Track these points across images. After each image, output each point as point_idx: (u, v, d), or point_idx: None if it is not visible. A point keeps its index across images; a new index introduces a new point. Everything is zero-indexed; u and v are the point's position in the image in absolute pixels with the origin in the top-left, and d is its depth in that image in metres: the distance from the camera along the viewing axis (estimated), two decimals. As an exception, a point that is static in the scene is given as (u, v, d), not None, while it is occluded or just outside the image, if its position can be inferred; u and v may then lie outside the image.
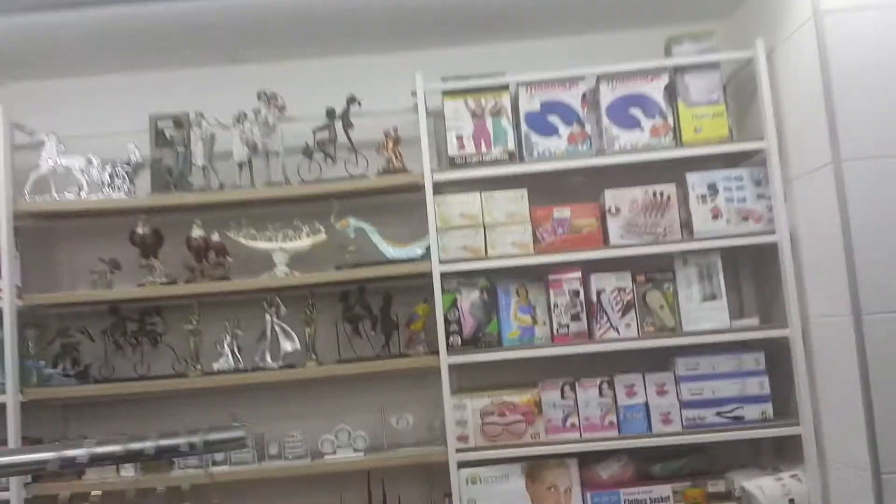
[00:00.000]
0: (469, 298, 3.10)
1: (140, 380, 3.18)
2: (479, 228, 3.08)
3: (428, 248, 3.11)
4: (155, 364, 3.29)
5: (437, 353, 3.05)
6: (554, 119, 3.17)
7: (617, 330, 3.07)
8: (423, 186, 3.09)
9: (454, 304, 3.08)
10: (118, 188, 3.23)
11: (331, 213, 3.22)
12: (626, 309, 3.07)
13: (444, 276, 3.07)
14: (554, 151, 3.15)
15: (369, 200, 3.33)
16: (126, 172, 3.24)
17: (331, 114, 3.25)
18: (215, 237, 3.22)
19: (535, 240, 3.08)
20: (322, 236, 3.22)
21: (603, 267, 3.10)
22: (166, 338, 3.29)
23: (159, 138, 3.29)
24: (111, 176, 3.23)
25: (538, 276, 3.15)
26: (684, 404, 3.02)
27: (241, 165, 3.25)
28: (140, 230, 3.21)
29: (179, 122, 3.26)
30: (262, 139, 3.22)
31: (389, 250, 3.18)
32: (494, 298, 3.11)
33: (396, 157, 3.21)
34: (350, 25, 3.27)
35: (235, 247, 3.25)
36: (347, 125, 3.24)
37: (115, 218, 3.32)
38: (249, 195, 3.20)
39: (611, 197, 3.11)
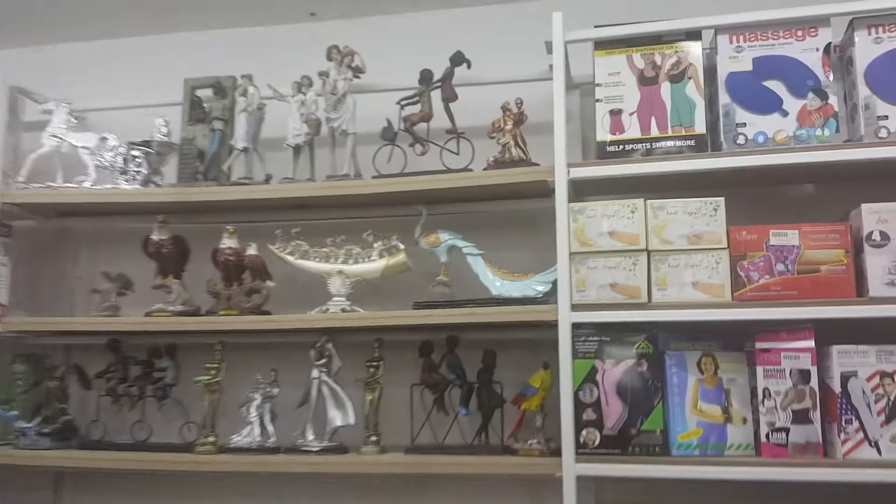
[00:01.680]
0: (617, 370, 1.90)
1: (132, 449, 2.23)
2: (639, 257, 1.90)
3: (555, 285, 1.97)
4: (161, 426, 2.34)
5: (559, 453, 1.87)
6: (775, 85, 1.95)
7: (877, 446, 1.75)
8: (553, 188, 1.96)
9: (591, 376, 1.90)
10: (132, 177, 2.34)
11: (416, 225, 2.16)
12: (893, 411, 1.76)
13: (577, 329, 1.91)
14: (773, 137, 1.92)
15: (473, 208, 2.24)
16: (146, 155, 2.34)
17: (426, 78, 2.20)
18: (252, 250, 2.24)
19: (735, 280, 1.85)
20: (400, 258, 2.16)
21: (854, 333, 1.81)
22: (177, 390, 2.33)
23: (195, 111, 2.38)
24: (125, 160, 2.36)
25: (737, 340, 1.91)
26: None
27: (296, 150, 2.27)
28: (156, 237, 2.29)
29: (221, 88, 2.35)
30: (329, 114, 2.23)
31: (497, 284, 2.07)
32: (660, 373, 1.90)
33: (517, 143, 2.10)
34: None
35: (279, 266, 2.27)
36: (449, 96, 2.18)
37: (137, 218, 2.44)
38: (304, 191, 2.20)
39: (871, 215, 1.82)
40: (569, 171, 1.96)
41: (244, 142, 2.28)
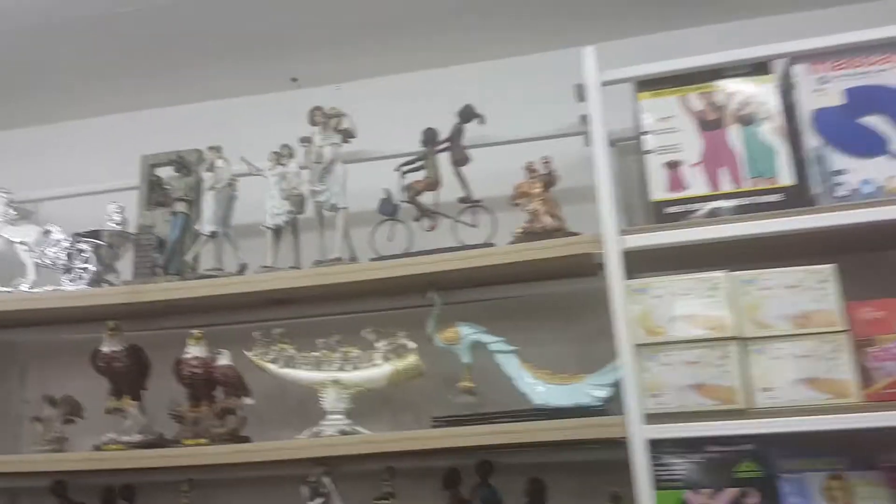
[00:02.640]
0: (716, 502, 1.42)
1: None
2: (728, 348, 1.44)
3: (616, 388, 1.51)
4: None
5: None
6: (876, 122, 1.54)
7: None
8: (601, 262, 1.52)
9: (679, 512, 1.42)
10: (78, 276, 1.91)
11: (427, 318, 1.72)
12: None
13: (655, 448, 1.43)
14: (885, 185, 1.49)
15: (497, 293, 1.81)
16: (94, 249, 1.92)
17: (429, 139, 1.80)
18: (224, 360, 1.79)
19: (863, 374, 1.38)
20: (411, 360, 1.71)
21: None
22: (135, 544, 1.83)
23: (154, 193, 1.97)
24: (70, 255, 1.93)
25: (869, 455, 1.43)
26: None
27: (276, 233, 1.84)
28: (106, 348, 1.84)
29: (183, 164, 1.94)
30: (314, 186, 1.81)
31: (539, 390, 1.60)
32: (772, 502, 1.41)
33: (549, 209, 1.67)
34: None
35: (259, 379, 1.82)
36: (459, 159, 1.77)
37: (89, 326, 2.00)
38: (287, 281, 1.76)
39: None
40: (621, 239, 1.52)
41: (212, 225, 1.86)
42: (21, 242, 1.97)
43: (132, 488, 1.84)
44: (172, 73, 2.16)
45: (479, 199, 1.75)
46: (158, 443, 1.81)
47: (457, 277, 1.73)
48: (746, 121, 1.60)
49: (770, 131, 1.58)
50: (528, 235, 1.65)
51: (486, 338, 1.68)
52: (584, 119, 1.73)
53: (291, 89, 2.25)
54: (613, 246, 1.51)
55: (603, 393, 1.54)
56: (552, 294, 1.80)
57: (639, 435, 1.44)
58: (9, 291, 1.93)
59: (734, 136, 1.60)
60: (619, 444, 1.44)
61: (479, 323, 1.70)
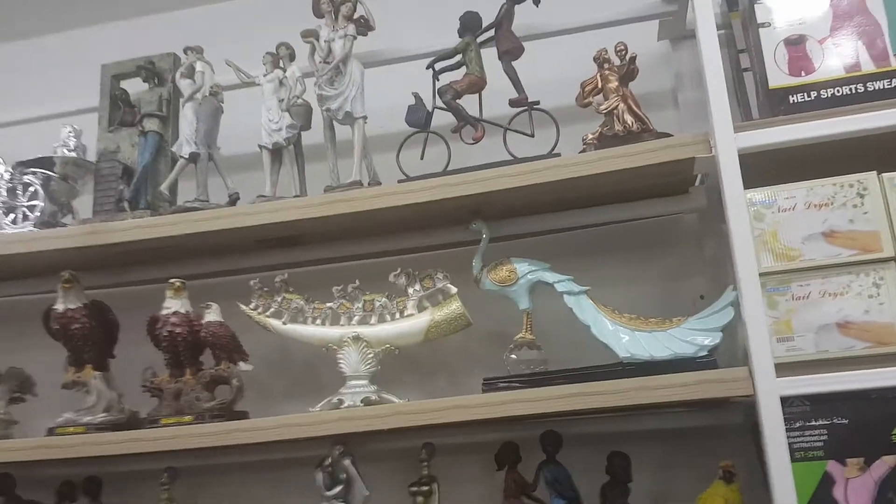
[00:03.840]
0: (868, 477, 1.06)
1: None
2: (884, 271, 1.08)
3: (727, 332, 1.14)
4: None
5: None
6: None
7: None
8: (700, 173, 1.16)
9: (824, 492, 1.06)
10: (22, 215, 1.51)
11: (470, 255, 1.34)
12: None
13: (788, 408, 1.07)
14: None
15: (558, 221, 1.43)
16: (44, 181, 1.52)
17: (469, 26, 1.41)
18: (213, 315, 1.40)
19: None
20: (454, 307, 1.33)
21: None
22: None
23: (117, 111, 1.56)
24: (12, 190, 1.53)
25: None
26: None
27: (274, 154, 1.45)
28: (60, 306, 1.44)
29: (154, 72, 1.54)
30: (324, 90, 1.41)
31: (624, 339, 1.22)
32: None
33: (630, 108, 1.29)
34: None
35: (258, 338, 1.43)
36: (510, 48, 1.38)
37: (40, 280, 1.60)
38: (292, 213, 1.37)
39: None
40: (737, 138, 1.15)
41: (193, 146, 1.46)
42: (-50, 176, 1.56)
43: (97, 481, 1.45)
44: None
45: (535, 100, 1.36)
46: (130, 423, 1.42)
47: (508, 202, 1.35)
48: (891, -17, 1.23)
49: (921, -5, 1.21)
50: (606, 140, 1.27)
51: (550, 276, 1.30)
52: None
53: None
54: (729, 145, 1.13)
55: (711, 340, 1.17)
56: (630, 220, 1.42)
57: (770, 391, 1.08)
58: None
59: (875, 3, 1.22)
60: (720, 406, 1.08)
61: (541, 262, 1.32)
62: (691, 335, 1.19)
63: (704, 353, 1.17)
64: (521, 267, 1.30)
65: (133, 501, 1.48)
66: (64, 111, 1.66)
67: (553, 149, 1.31)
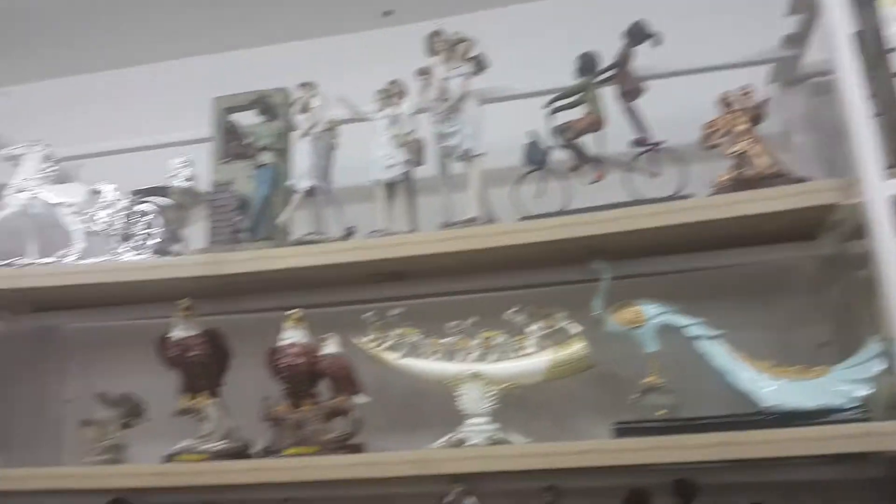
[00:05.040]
0: None
1: None
2: None
3: (873, 380, 1.13)
4: None
5: None
6: None
7: None
8: (833, 220, 1.16)
9: None
10: (141, 243, 1.54)
11: (590, 295, 1.34)
12: None
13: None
14: None
15: (675, 263, 1.42)
16: (160, 210, 1.54)
17: (588, 66, 1.42)
18: (332, 347, 1.41)
19: None
20: (576, 347, 1.33)
21: None
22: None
23: (231, 143, 1.59)
24: (129, 219, 1.56)
25: None
26: None
27: (389, 187, 1.46)
28: (179, 333, 1.46)
29: (268, 106, 1.56)
30: (441, 128, 1.43)
31: (767, 387, 1.21)
32: None
33: (761, 150, 1.29)
34: None
35: (373, 372, 1.43)
36: (630, 88, 1.39)
37: (148, 307, 1.63)
38: (408, 248, 1.39)
39: None
40: (889, 185, 1.14)
41: (310, 180, 1.48)
42: (65, 203, 1.59)
43: (211, 510, 1.47)
44: (243, 9, 1.78)
45: (659, 140, 1.37)
46: (245, 452, 1.44)
47: (628, 243, 1.35)
48: None
49: None
50: (741, 183, 1.26)
51: (679, 320, 1.29)
52: (788, 40, 1.35)
53: (384, 26, 1.86)
54: (879, 191, 1.13)
55: (860, 391, 1.15)
56: (751, 263, 1.42)
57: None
58: (54, 263, 1.55)
59: None
60: (861, 458, 1.07)
61: (667, 304, 1.32)
62: (841, 385, 1.17)
63: (855, 403, 1.16)
64: (649, 309, 1.30)
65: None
66: (174, 141, 1.69)
67: (680, 190, 1.32)
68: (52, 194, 1.60)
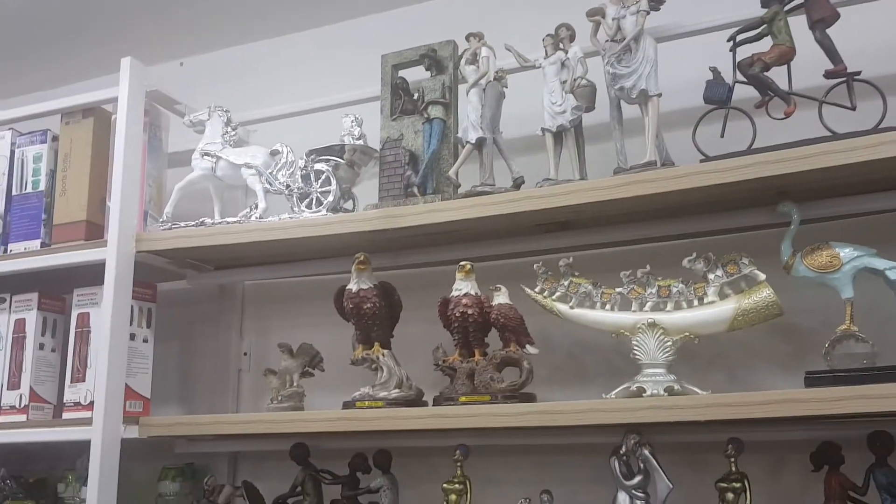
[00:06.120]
0: None
1: None
2: None
3: None
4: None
5: None
6: None
7: None
8: None
9: None
10: (318, 201, 1.60)
11: (776, 239, 1.25)
12: None
13: None
14: None
15: (870, 203, 1.31)
16: (334, 169, 1.60)
17: (776, -6, 1.32)
18: (502, 297, 1.41)
19: None
20: (764, 294, 1.26)
21: None
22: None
23: (399, 99, 1.61)
24: (305, 178, 1.62)
25: None
26: None
27: (557, 136, 1.44)
28: (355, 286, 1.51)
29: (436, 60, 1.57)
30: (615, 68, 1.38)
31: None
32: None
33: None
34: None
35: (535, 323, 1.42)
36: (824, 15, 1.28)
37: (319, 263, 1.70)
38: (580, 196, 1.35)
39: None
40: None
41: (479, 131, 1.48)
42: (247, 165, 1.68)
43: (387, 454, 1.51)
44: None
45: (856, 70, 1.25)
46: (420, 400, 1.47)
47: (821, 182, 1.25)
48: None
49: None
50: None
51: (879, 262, 1.19)
52: None
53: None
54: None
55: None
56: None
57: None
58: (237, 222, 1.64)
59: None
60: None
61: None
62: None
63: None
64: (845, 252, 1.20)
65: (423, 476, 1.53)
66: (344, 101, 1.73)
67: (879, 123, 1.20)
68: (235, 156, 1.69)
